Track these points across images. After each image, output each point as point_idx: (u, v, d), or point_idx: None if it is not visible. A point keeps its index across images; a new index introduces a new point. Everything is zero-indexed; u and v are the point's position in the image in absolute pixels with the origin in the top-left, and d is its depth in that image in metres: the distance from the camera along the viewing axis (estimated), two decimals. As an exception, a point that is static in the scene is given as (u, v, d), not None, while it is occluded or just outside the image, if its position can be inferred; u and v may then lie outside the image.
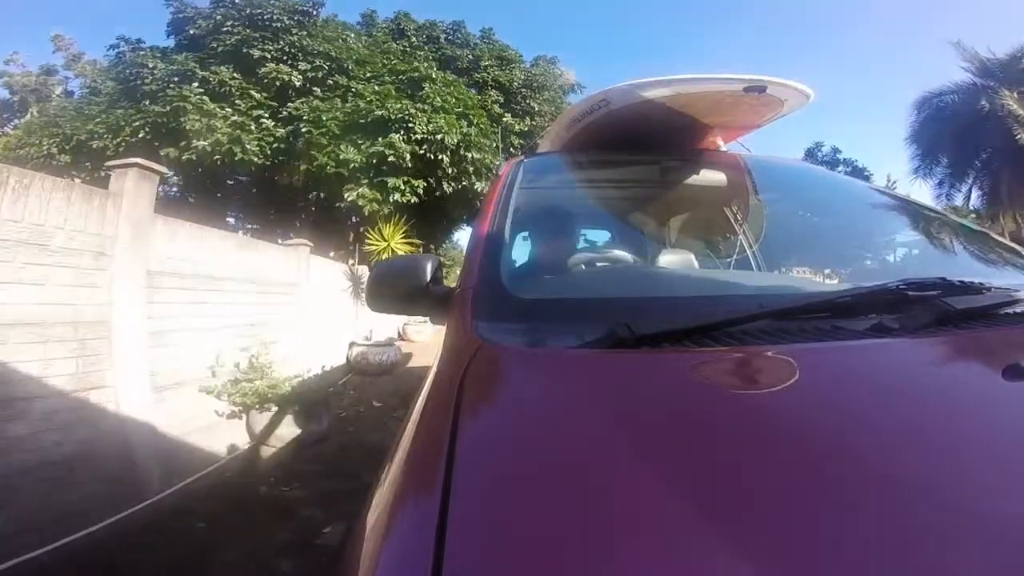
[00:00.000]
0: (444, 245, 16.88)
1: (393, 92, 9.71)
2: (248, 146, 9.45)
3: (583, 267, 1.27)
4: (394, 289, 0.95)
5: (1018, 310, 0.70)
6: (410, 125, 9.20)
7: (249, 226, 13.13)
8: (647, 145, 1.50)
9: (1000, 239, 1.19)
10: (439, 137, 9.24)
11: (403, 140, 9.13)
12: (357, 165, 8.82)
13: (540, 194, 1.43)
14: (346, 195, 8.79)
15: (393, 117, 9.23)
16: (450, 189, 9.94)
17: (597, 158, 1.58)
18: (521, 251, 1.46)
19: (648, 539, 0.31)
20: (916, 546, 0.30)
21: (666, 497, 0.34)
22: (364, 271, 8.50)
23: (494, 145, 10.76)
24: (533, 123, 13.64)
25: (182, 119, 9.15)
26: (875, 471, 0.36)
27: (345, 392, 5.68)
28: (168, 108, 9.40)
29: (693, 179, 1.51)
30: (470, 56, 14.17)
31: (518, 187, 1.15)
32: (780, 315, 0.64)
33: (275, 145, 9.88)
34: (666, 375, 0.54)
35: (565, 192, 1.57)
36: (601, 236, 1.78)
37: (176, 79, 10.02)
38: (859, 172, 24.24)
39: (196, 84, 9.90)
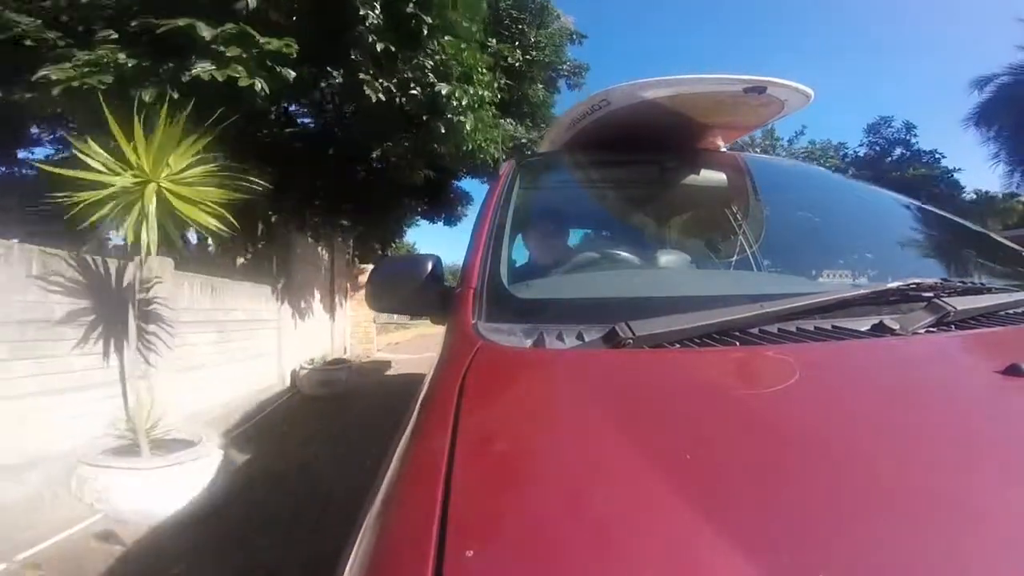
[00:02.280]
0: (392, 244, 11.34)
1: None
2: None
3: (583, 267, 1.23)
4: (395, 289, 0.97)
5: (1018, 310, 0.71)
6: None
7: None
8: (647, 145, 1.49)
9: (1000, 239, 1.19)
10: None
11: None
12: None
13: (540, 194, 1.44)
14: (51, 75, 3.15)
15: None
16: (380, 95, 4.66)
17: (597, 158, 1.57)
18: (521, 251, 1.46)
19: (649, 539, 0.31)
20: (915, 545, 0.30)
21: (666, 497, 0.34)
22: (136, 270, 3.17)
23: (478, 39, 5.64)
24: (528, 57, 8.70)
25: None
26: (874, 471, 0.36)
27: None
28: None
29: (693, 179, 1.51)
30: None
31: (518, 187, 1.17)
32: (781, 315, 0.64)
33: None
34: (666, 375, 0.54)
35: (565, 192, 1.57)
36: (601, 236, 1.70)
37: None
38: (923, 155, 20.36)
39: None
